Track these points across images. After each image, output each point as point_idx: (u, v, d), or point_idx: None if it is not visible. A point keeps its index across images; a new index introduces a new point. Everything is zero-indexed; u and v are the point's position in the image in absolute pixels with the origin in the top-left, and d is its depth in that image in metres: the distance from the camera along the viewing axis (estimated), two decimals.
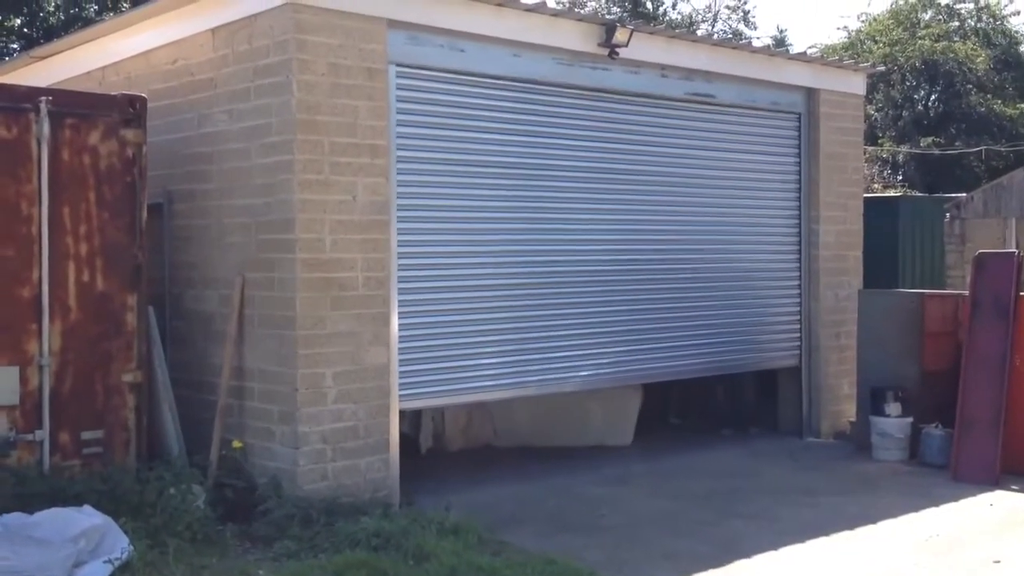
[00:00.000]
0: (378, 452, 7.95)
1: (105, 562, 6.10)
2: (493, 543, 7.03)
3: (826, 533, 7.50)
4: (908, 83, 35.73)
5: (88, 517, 6.37)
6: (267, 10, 7.73)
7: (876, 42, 35.63)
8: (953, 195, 18.04)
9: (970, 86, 34.45)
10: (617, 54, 9.34)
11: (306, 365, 7.58)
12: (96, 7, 23.28)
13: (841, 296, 11.36)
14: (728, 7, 39.45)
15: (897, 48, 34.64)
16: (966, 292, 10.00)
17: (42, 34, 21.89)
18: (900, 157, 33.51)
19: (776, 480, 9.26)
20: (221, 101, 8.21)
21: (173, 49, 8.69)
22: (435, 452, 10.47)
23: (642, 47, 9.57)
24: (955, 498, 8.53)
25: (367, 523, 6.90)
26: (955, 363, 9.79)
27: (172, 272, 8.70)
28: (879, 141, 33.62)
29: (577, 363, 9.43)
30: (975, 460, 9.18)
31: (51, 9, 22.89)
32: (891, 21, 36.51)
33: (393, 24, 8.05)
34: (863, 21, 37.76)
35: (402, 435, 8.34)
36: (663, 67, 9.96)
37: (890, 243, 14.84)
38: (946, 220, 16.09)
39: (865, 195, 12.36)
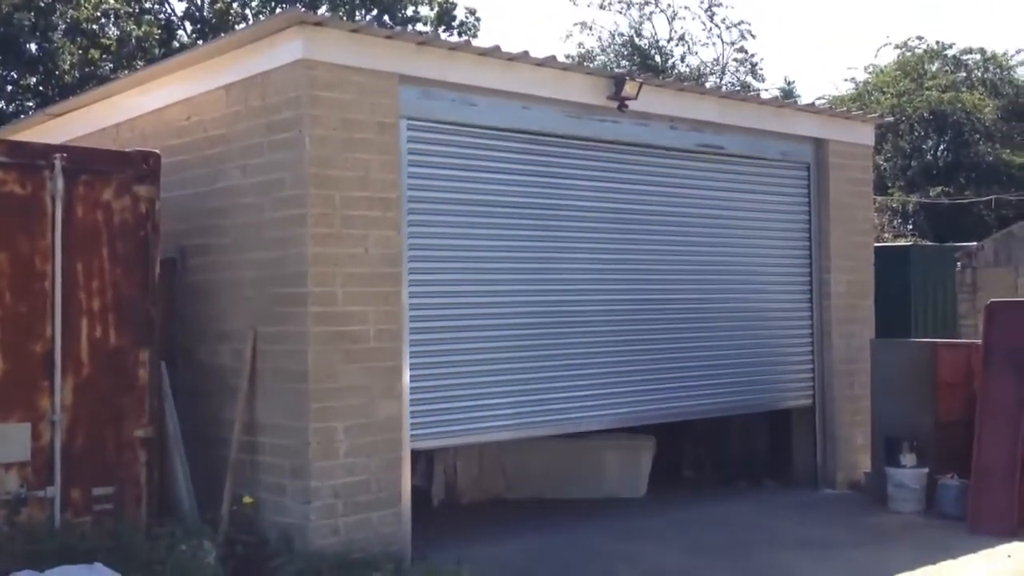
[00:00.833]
0: (390, 506, 7.90)
1: None
2: None
3: None
4: (916, 133, 35.82)
5: (98, 574, 6.33)
6: (280, 67, 7.81)
7: (884, 93, 35.78)
8: (964, 244, 18.01)
9: (978, 136, 34.53)
10: (626, 107, 9.40)
11: (318, 419, 7.55)
12: (111, 65, 23.59)
13: (854, 346, 11.32)
14: (736, 59, 39.72)
15: (905, 99, 34.79)
16: (979, 341, 9.95)
17: (57, 92, 22.16)
18: (910, 207, 33.51)
19: (791, 533, 9.16)
20: (234, 156, 8.27)
21: (186, 106, 8.78)
22: (447, 504, 10.41)
23: (651, 99, 9.64)
24: (972, 549, 8.43)
25: None
26: (970, 413, 9.72)
27: (185, 327, 8.71)
28: (888, 191, 33.66)
29: (590, 403, 9.40)
30: (992, 511, 9.09)
31: (66, 67, 23.18)
32: (898, 72, 36.70)
33: (405, 79, 8.13)
34: (870, 72, 37.96)
35: (414, 488, 8.29)
36: (672, 119, 10.02)
37: (902, 292, 14.81)
38: (957, 269, 16.05)
39: (876, 244, 12.35)
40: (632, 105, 9.43)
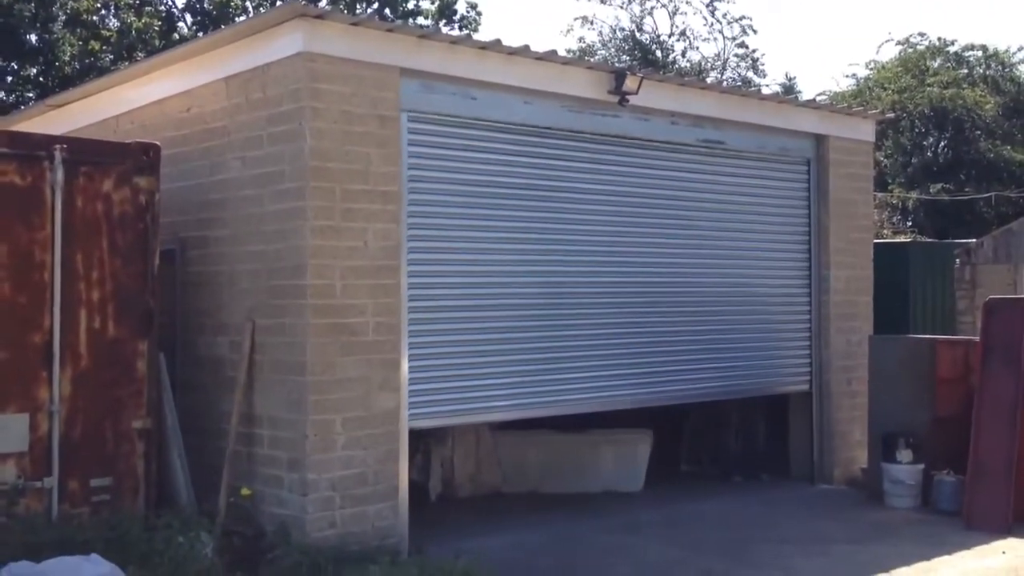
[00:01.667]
0: (387, 499, 7.92)
1: None
2: None
3: None
4: (917, 130, 35.82)
5: (95, 566, 6.33)
6: (281, 59, 7.82)
7: (885, 89, 35.75)
8: (963, 241, 18.01)
9: (979, 133, 34.54)
10: (627, 101, 9.40)
11: (316, 411, 7.57)
12: (111, 56, 23.56)
13: (852, 341, 11.33)
14: (737, 55, 39.71)
15: (906, 95, 34.76)
16: (977, 338, 9.96)
17: (58, 83, 22.12)
18: (910, 203, 33.52)
19: (788, 528, 9.18)
20: (234, 148, 8.28)
21: (187, 98, 8.78)
22: (444, 498, 10.43)
23: (652, 94, 9.64)
24: (968, 546, 8.46)
25: (375, 571, 6.86)
26: (967, 409, 9.72)
27: (183, 318, 8.73)
28: (889, 187, 33.65)
29: (588, 385, 9.43)
30: (987, 507, 9.10)
31: (66, 59, 23.16)
32: (900, 68, 36.67)
33: (406, 72, 8.13)
34: (871, 69, 37.92)
35: (411, 482, 8.30)
36: (673, 114, 10.02)
37: (901, 288, 14.79)
38: (956, 265, 16.05)
39: (875, 241, 12.36)
40: (633, 100, 9.42)
